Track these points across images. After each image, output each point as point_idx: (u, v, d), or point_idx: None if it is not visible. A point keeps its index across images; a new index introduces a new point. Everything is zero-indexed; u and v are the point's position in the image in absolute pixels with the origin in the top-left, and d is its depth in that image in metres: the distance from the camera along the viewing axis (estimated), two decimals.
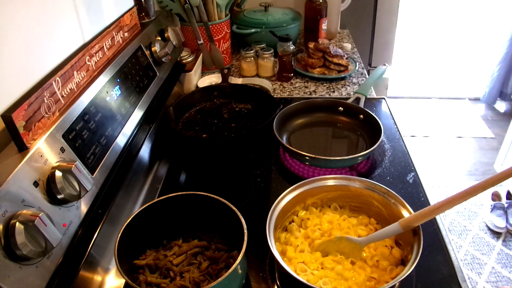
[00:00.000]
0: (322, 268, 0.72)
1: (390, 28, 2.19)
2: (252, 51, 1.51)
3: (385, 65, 1.42)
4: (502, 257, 2.05)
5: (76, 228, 0.64)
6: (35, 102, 0.62)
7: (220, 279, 0.59)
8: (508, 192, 2.30)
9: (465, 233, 2.19)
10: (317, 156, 0.96)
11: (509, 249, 2.09)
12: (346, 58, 1.50)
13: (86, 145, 0.71)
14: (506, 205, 2.22)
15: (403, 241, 0.74)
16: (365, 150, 0.98)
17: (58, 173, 0.60)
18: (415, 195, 0.93)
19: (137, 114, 0.94)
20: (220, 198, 0.72)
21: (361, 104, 1.24)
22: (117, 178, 0.80)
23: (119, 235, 0.67)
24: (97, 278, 0.73)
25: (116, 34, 0.93)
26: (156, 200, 0.74)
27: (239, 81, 1.45)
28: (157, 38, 1.12)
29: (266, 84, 1.41)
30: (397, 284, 0.64)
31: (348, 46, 1.75)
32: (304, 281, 0.62)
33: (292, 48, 1.44)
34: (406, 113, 3.39)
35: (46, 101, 0.65)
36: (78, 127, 0.71)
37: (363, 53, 2.20)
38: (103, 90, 0.81)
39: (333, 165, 1.00)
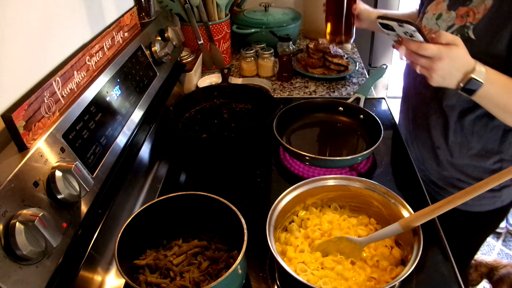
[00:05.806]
0: (322, 268, 0.71)
1: None
2: (252, 51, 1.51)
3: (385, 65, 1.42)
4: (502, 257, 2.05)
5: (76, 228, 0.64)
6: (35, 102, 0.62)
7: (220, 279, 0.59)
8: None
9: None
10: (317, 156, 0.97)
11: (509, 249, 2.09)
12: (346, 58, 1.50)
13: (86, 145, 0.71)
14: None
15: (403, 241, 0.74)
16: (365, 150, 0.98)
17: (58, 173, 0.60)
18: (415, 195, 0.93)
19: (137, 114, 0.94)
20: (220, 198, 0.72)
21: (361, 104, 1.24)
22: (117, 178, 0.80)
23: (119, 235, 0.67)
24: (97, 278, 0.73)
25: (116, 34, 0.93)
26: (156, 200, 0.74)
27: (239, 81, 1.45)
28: (157, 38, 1.12)
29: (266, 84, 1.41)
30: (397, 284, 0.64)
31: (348, 46, 1.74)
32: (304, 281, 0.62)
33: (292, 48, 1.44)
34: None
35: (46, 101, 0.65)
36: (78, 127, 0.70)
37: (363, 53, 2.19)
38: (103, 90, 0.81)
39: (333, 165, 1.00)
